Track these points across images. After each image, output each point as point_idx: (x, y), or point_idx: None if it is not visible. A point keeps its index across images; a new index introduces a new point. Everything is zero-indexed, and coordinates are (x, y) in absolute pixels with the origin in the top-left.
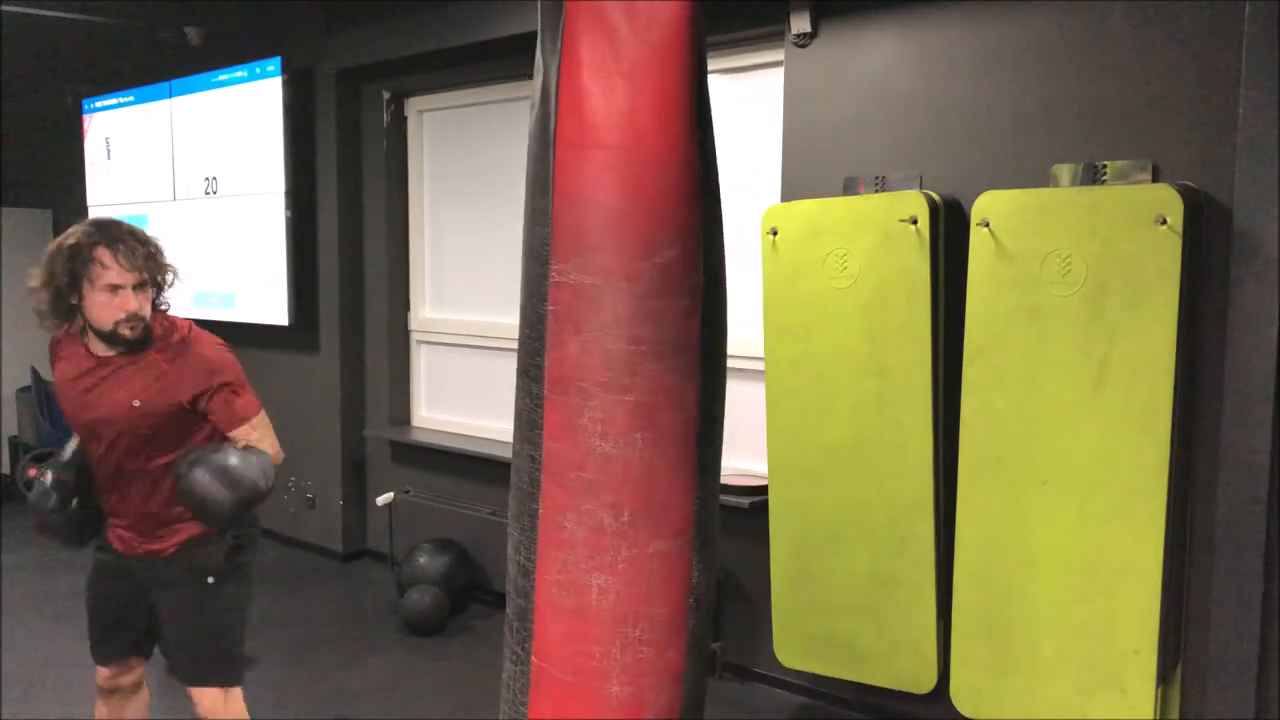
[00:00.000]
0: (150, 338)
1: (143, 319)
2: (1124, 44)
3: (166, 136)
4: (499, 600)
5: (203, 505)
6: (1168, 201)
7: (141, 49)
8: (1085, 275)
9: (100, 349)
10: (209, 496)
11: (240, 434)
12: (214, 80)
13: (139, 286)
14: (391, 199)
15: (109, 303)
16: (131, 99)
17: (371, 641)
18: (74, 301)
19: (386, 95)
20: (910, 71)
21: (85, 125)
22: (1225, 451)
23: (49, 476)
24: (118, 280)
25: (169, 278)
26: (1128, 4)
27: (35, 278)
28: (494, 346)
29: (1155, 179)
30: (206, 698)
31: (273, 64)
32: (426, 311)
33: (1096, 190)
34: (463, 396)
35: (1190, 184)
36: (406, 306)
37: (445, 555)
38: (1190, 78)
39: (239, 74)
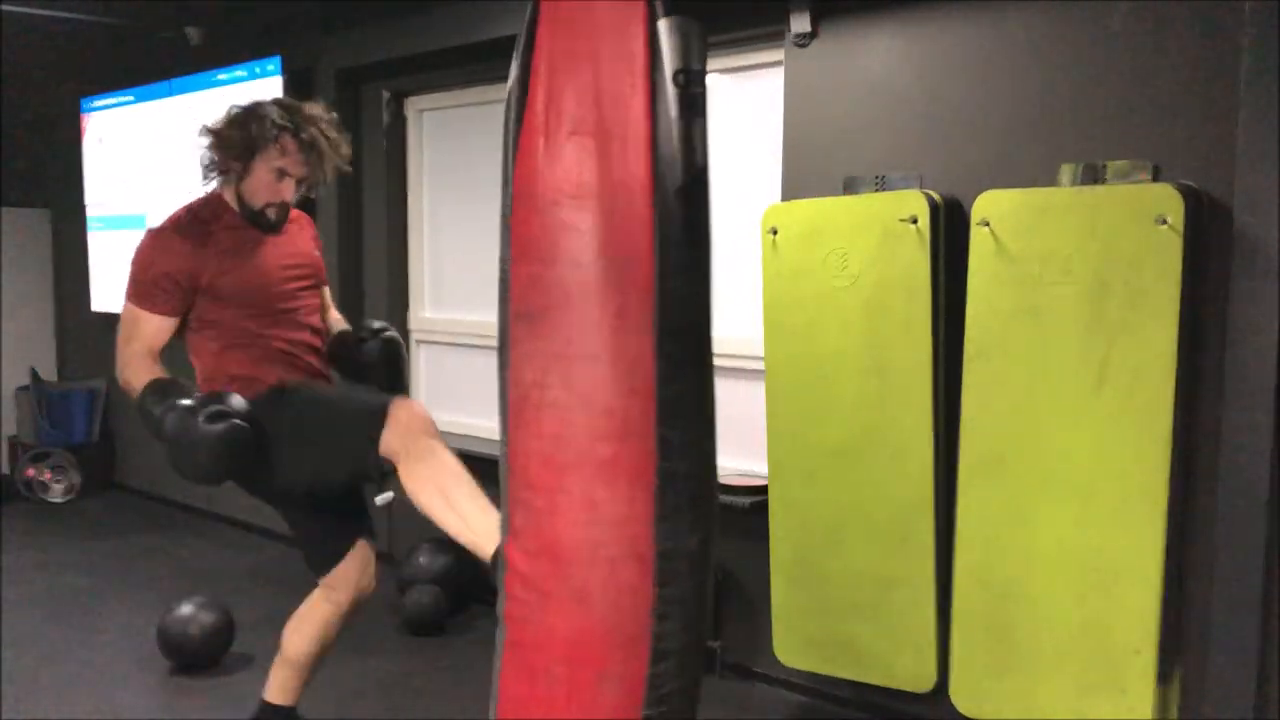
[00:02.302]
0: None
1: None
2: (1124, 44)
3: (166, 136)
4: None
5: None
6: (1168, 201)
7: (141, 49)
8: (1085, 275)
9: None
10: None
11: (329, 302)
12: (214, 80)
13: (301, 180)
14: (391, 199)
15: (271, 185)
16: (131, 99)
17: (371, 641)
18: (237, 168)
19: (386, 95)
20: (910, 71)
21: (85, 125)
22: (1225, 451)
23: (232, 424)
24: (289, 168)
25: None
26: (1128, 4)
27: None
28: (494, 346)
29: (1155, 179)
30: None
31: (273, 64)
32: (426, 311)
33: (1097, 190)
34: (463, 396)
35: (1190, 184)
36: (406, 306)
37: (445, 555)
38: (1190, 78)
39: (239, 74)
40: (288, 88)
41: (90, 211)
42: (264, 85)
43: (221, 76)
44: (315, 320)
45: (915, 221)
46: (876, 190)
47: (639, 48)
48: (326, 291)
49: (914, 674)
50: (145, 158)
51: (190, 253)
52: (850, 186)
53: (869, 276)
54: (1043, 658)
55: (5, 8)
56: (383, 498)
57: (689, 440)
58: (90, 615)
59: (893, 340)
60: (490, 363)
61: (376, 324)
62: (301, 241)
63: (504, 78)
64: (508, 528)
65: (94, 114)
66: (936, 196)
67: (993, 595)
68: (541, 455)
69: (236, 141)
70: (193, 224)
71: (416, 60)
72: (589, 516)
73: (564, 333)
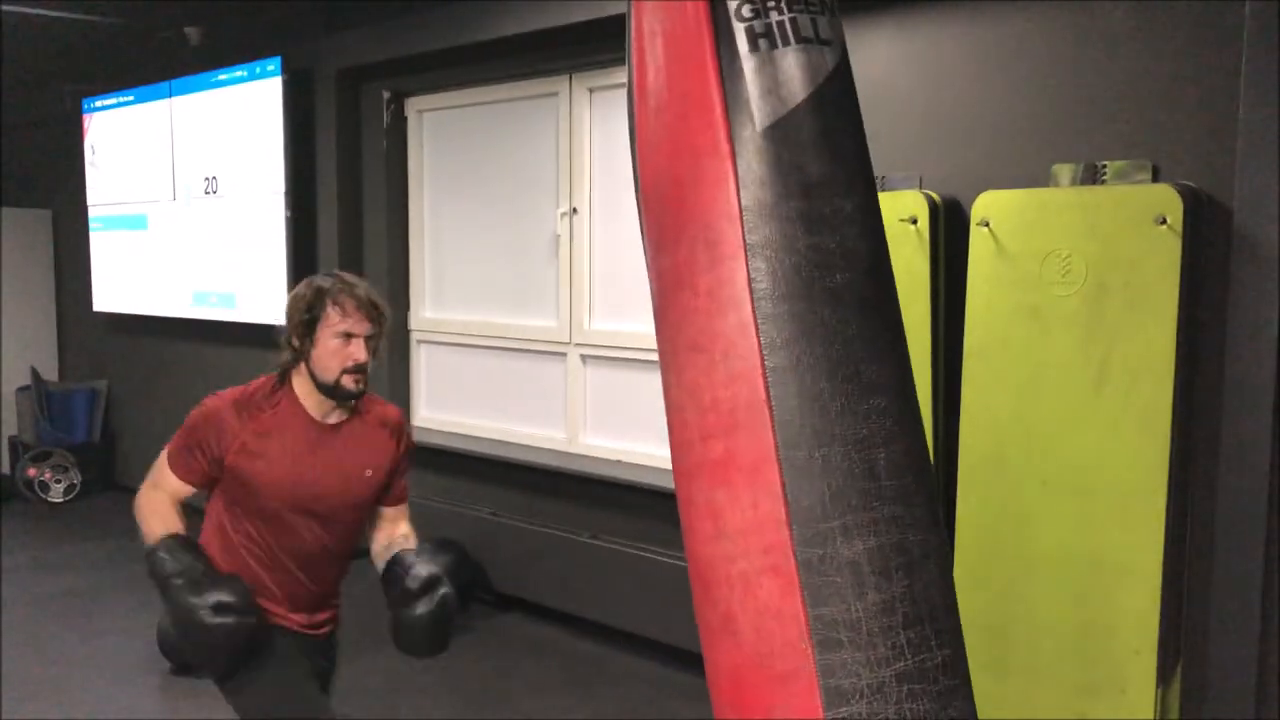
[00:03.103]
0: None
1: (366, 371)
2: (1124, 44)
3: (166, 136)
4: (499, 600)
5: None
6: (1168, 201)
7: (141, 49)
8: (1085, 275)
9: (316, 411)
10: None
11: (402, 516)
12: (214, 80)
13: (370, 338)
14: (391, 199)
15: (340, 350)
16: (131, 99)
17: (371, 641)
18: (301, 346)
19: (386, 95)
20: (910, 71)
21: (85, 125)
22: (1225, 451)
23: (231, 619)
24: (353, 329)
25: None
26: (1128, 4)
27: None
28: (494, 346)
29: (1155, 179)
30: None
31: (273, 64)
32: (426, 311)
33: (1096, 190)
34: (463, 396)
35: (1190, 184)
36: (406, 306)
37: (445, 555)
38: (1190, 78)
39: (239, 74)
40: (287, 88)
41: (91, 212)
42: (264, 85)
43: (221, 76)
44: (346, 544)
45: (915, 222)
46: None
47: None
48: (399, 510)
49: None
50: (145, 158)
51: (226, 426)
52: None
53: None
54: (1042, 658)
55: (5, 8)
56: None
57: (820, 426)
58: (90, 615)
59: None
60: (491, 362)
61: (426, 572)
62: (376, 453)
63: (504, 78)
64: None
65: (94, 114)
66: (936, 196)
67: (992, 596)
68: (675, 466)
69: (299, 316)
70: (243, 398)
71: (417, 60)
72: (714, 528)
73: (671, 324)
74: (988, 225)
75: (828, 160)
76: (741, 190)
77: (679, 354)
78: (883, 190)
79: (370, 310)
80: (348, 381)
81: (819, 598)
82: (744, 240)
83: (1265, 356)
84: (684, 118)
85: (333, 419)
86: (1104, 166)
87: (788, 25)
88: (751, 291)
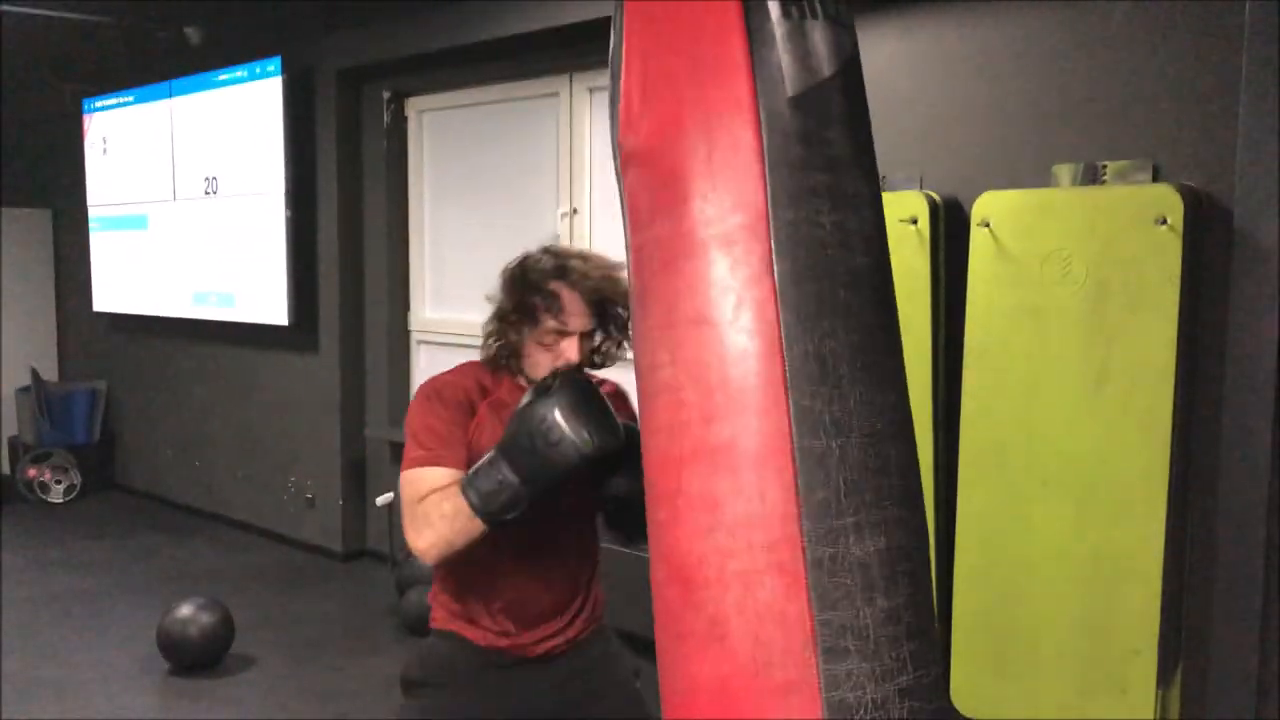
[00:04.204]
0: None
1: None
2: (1124, 44)
3: (166, 136)
4: None
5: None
6: (1168, 201)
7: (141, 49)
8: (1085, 275)
9: None
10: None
11: None
12: (214, 80)
13: (587, 336)
14: (391, 199)
15: (552, 347)
16: (131, 99)
17: (371, 641)
18: (512, 338)
19: (386, 95)
20: (910, 71)
21: (85, 125)
22: (1225, 451)
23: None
24: (567, 325)
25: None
26: (1128, 4)
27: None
28: None
29: (1155, 179)
30: None
31: (273, 64)
32: (426, 311)
33: (1096, 190)
34: None
35: (1190, 184)
36: (406, 306)
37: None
38: (1190, 78)
39: (239, 74)
40: (287, 88)
41: (91, 212)
42: (264, 85)
43: (222, 77)
44: (580, 567)
45: (915, 222)
46: None
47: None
48: None
49: None
50: (145, 158)
51: (469, 392)
52: None
53: None
54: (1043, 658)
55: (5, 8)
56: (383, 499)
57: (843, 410)
58: (90, 615)
59: None
60: None
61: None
62: None
63: (504, 78)
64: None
65: (94, 114)
66: (936, 197)
67: (993, 595)
68: (660, 453)
69: (508, 307)
70: (467, 374)
71: (417, 60)
72: (710, 521)
73: (666, 297)
74: (988, 225)
75: (850, 140)
76: (767, 156)
77: (676, 328)
78: (883, 190)
79: (591, 305)
80: None
81: (827, 600)
82: (767, 209)
83: (1265, 356)
84: (697, 80)
85: None
86: (1104, 166)
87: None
88: (773, 263)
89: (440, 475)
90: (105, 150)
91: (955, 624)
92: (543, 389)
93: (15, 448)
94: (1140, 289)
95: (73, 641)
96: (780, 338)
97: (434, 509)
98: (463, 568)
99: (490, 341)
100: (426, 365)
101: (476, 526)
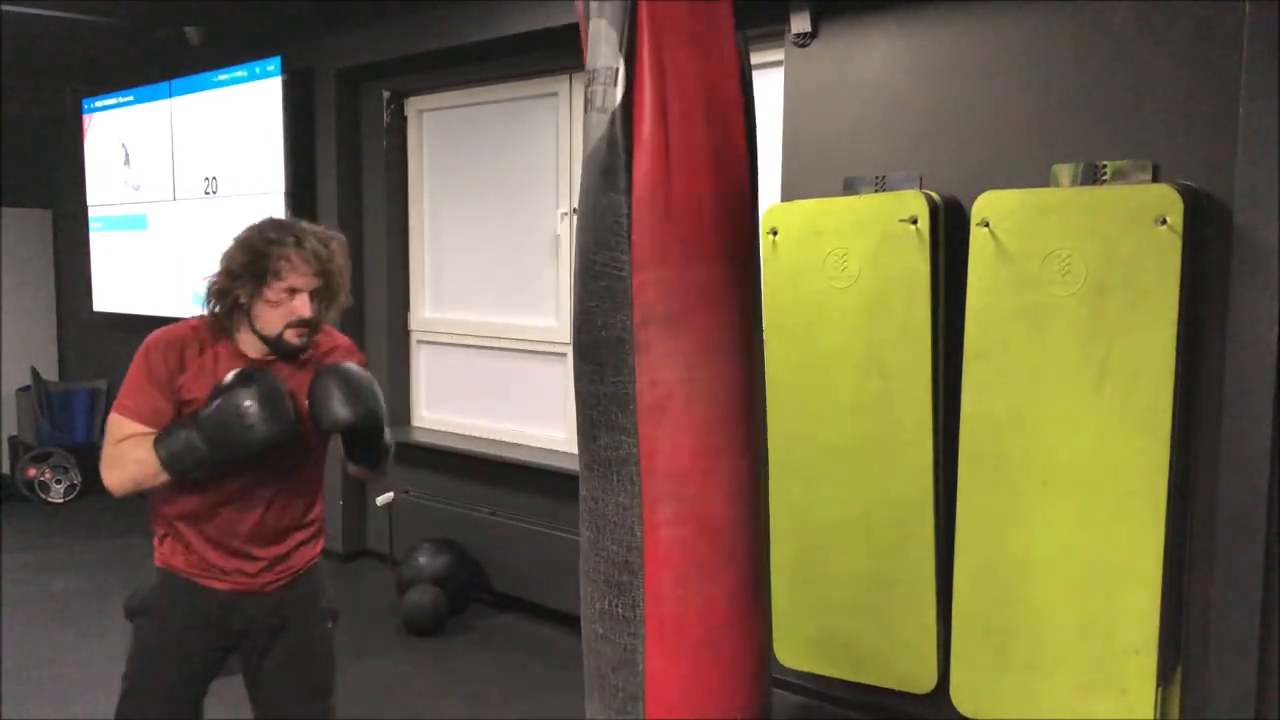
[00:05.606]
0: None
1: (312, 326)
2: (1124, 44)
3: (166, 136)
4: (499, 600)
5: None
6: (1168, 201)
7: (141, 49)
8: (1085, 275)
9: (253, 351)
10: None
11: None
12: (214, 80)
13: (316, 293)
14: (391, 199)
15: (284, 304)
16: (131, 99)
17: (371, 641)
18: (241, 299)
19: (386, 95)
20: (910, 71)
21: (85, 125)
22: (1225, 451)
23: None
24: (298, 284)
25: (343, 296)
26: (1128, 4)
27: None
28: (494, 346)
29: (1155, 179)
30: None
31: (273, 64)
32: (426, 311)
33: (1096, 190)
34: (463, 396)
35: (1190, 184)
36: (406, 306)
37: (445, 555)
38: (1190, 78)
39: (239, 74)
40: (287, 88)
41: (91, 212)
42: (264, 85)
43: (222, 77)
44: (299, 507)
45: (915, 222)
46: (876, 190)
47: (729, 49)
48: None
49: (914, 674)
50: (145, 158)
51: (181, 353)
52: (850, 187)
53: (869, 277)
54: (1043, 658)
55: (5, 8)
56: (383, 498)
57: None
58: (90, 615)
59: (893, 340)
60: (490, 362)
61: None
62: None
63: (504, 78)
64: (649, 523)
65: (94, 114)
66: (936, 197)
67: (993, 595)
68: (695, 445)
69: (241, 266)
70: (189, 332)
71: (417, 60)
72: (735, 490)
73: (706, 331)
74: (988, 225)
75: None
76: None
77: (715, 353)
78: (883, 190)
79: (318, 264)
80: (291, 335)
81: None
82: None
83: (1265, 356)
84: (728, 136)
85: (265, 356)
86: (1104, 166)
87: None
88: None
89: (137, 426)
90: (105, 150)
91: (955, 624)
92: (245, 376)
93: (15, 447)
94: (1140, 289)
95: (72, 641)
96: (760, 366)
97: (129, 452)
98: (173, 505)
99: (214, 303)
100: (427, 365)
101: (163, 476)
